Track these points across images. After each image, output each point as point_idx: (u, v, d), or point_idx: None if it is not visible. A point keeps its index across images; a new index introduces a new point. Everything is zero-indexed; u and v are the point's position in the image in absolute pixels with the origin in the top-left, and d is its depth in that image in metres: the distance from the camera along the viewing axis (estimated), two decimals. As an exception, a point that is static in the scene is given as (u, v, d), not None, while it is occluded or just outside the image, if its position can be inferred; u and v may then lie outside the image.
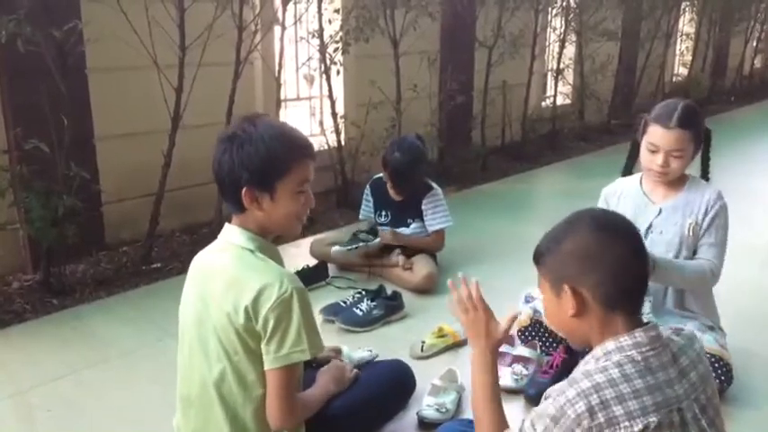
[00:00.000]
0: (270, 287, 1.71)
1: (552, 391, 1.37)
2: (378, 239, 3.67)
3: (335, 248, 3.68)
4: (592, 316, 1.43)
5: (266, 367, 1.76)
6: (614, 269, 1.40)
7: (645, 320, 1.44)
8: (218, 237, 1.91)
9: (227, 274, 1.78)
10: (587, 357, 1.43)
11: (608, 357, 1.38)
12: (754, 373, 2.73)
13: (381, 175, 3.81)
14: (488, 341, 1.74)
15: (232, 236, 1.84)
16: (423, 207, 3.74)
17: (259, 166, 1.73)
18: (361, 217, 3.99)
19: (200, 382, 1.83)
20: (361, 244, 3.64)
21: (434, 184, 3.81)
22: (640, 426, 1.28)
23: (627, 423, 1.28)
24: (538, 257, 1.51)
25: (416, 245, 3.74)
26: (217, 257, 1.85)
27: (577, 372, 1.39)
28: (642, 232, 2.56)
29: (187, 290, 1.92)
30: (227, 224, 1.89)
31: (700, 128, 2.46)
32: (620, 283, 1.41)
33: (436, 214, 3.74)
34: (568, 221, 1.50)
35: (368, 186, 3.94)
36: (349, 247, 3.63)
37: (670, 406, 1.33)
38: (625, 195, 2.67)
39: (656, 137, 2.43)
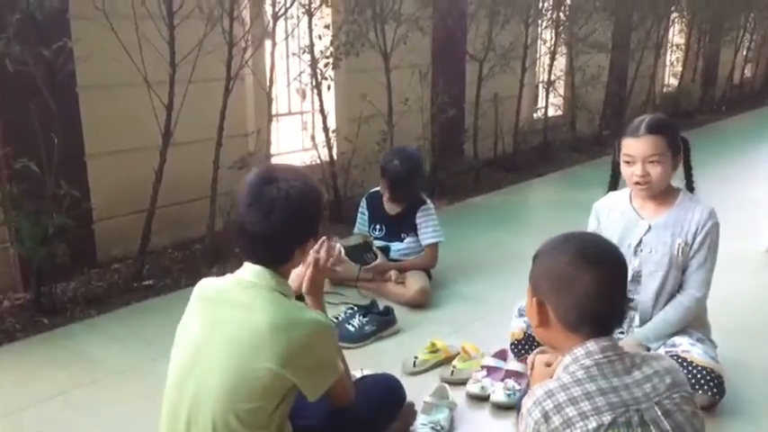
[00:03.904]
0: (318, 321, 1.82)
1: (522, 405, 1.46)
2: (379, 259, 3.66)
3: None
4: (555, 330, 1.51)
5: (322, 389, 1.84)
6: (579, 298, 1.46)
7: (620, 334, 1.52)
8: (238, 273, 1.86)
9: (275, 317, 1.75)
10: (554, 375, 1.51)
11: (566, 370, 1.46)
12: (748, 383, 2.72)
13: (378, 188, 3.81)
14: None
15: (262, 278, 1.82)
16: (417, 221, 3.75)
17: (317, 218, 1.90)
18: (355, 230, 3.97)
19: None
20: (370, 264, 3.63)
21: (428, 199, 3.82)
22: (594, 424, 1.35)
23: (581, 423, 1.36)
24: (533, 259, 1.59)
25: (410, 268, 3.72)
26: (250, 299, 1.79)
27: None
28: (632, 249, 2.58)
29: (194, 327, 1.86)
30: (252, 265, 1.84)
31: (673, 134, 2.50)
32: (583, 310, 1.47)
33: (428, 227, 3.74)
34: (564, 238, 1.56)
35: (364, 199, 3.94)
36: (359, 267, 3.62)
37: (627, 406, 1.38)
38: (615, 210, 2.68)
39: (630, 148, 2.49)
